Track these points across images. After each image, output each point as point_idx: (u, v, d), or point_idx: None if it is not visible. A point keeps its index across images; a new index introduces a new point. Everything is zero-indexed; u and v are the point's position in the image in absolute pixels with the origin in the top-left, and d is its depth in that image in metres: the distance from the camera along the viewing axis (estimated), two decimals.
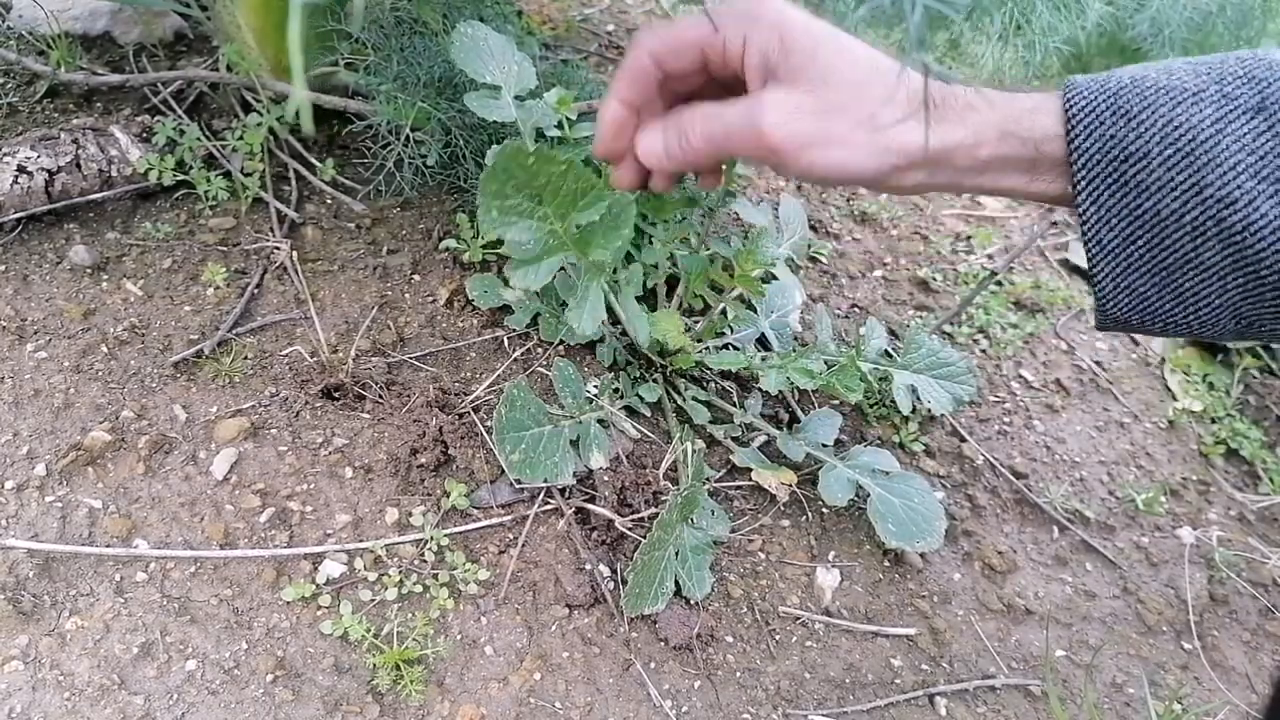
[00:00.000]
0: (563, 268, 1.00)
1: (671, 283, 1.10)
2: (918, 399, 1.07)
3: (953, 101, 0.58)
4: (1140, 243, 0.54)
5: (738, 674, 0.84)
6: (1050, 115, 0.56)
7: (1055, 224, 1.64)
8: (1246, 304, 0.53)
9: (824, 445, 1.03)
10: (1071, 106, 0.56)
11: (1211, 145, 0.51)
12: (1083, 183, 0.55)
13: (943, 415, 1.15)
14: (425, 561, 0.84)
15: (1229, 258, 0.52)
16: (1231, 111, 0.51)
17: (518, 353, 1.04)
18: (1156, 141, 0.52)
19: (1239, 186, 0.50)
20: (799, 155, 0.59)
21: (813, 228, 1.44)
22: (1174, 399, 1.36)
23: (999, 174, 0.58)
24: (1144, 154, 0.53)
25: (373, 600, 0.81)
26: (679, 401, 1.03)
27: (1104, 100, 0.55)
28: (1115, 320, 0.58)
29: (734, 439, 1.03)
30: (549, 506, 0.91)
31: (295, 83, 0.25)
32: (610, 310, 1.05)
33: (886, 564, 0.98)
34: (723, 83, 0.65)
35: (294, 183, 1.18)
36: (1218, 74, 0.52)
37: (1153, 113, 0.53)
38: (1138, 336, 1.47)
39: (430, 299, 1.08)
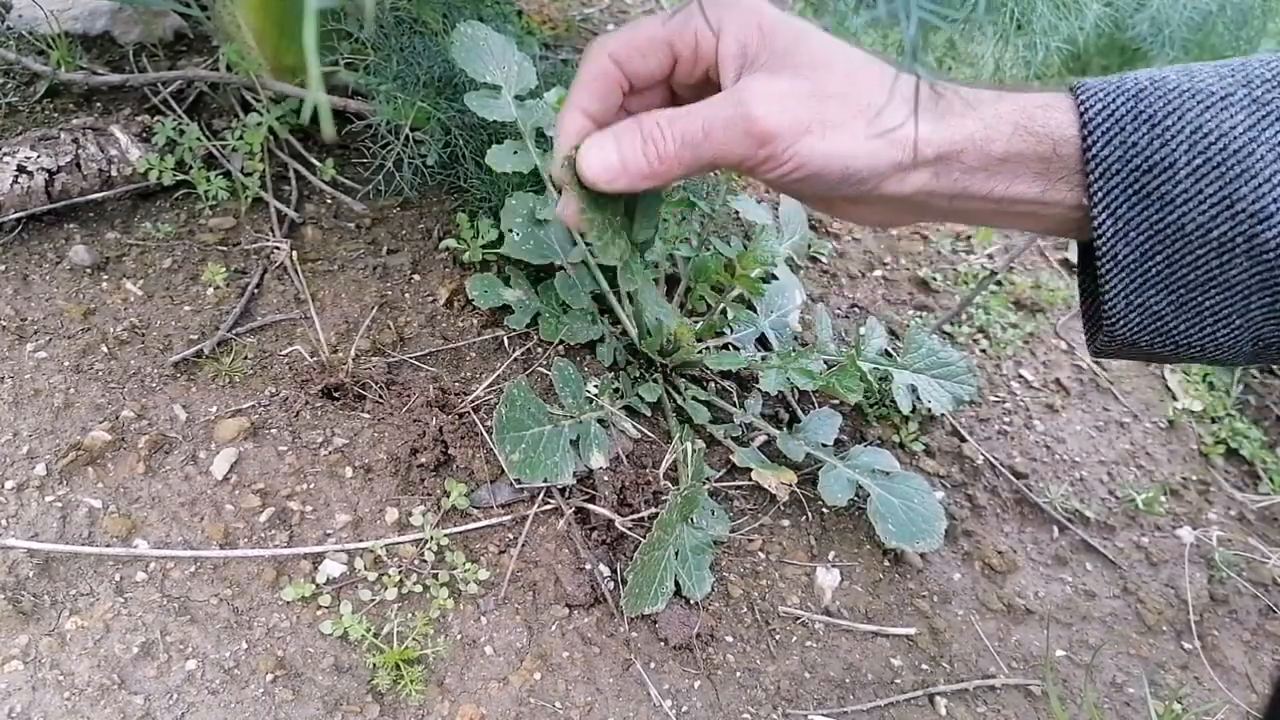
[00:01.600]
0: (562, 267, 1.00)
1: (671, 282, 1.10)
2: (918, 399, 1.07)
3: (956, 96, 0.52)
4: (1159, 258, 0.50)
5: (738, 674, 0.84)
6: (1066, 113, 0.51)
7: None
8: (1269, 325, 0.50)
9: (824, 445, 1.03)
10: (1088, 110, 0.50)
11: (1245, 155, 0.46)
12: (1099, 194, 0.50)
13: (943, 415, 1.15)
14: (425, 561, 0.84)
15: (1256, 276, 0.48)
16: (1265, 118, 0.46)
17: (518, 352, 1.04)
18: (1184, 150, 0.47)
19: (1275, 200, 0.46)
20: (796, 143, 0.51)
21: (812, 227, 1.44)
22: (1174, 399, 1.36)
23: (1012, 177, 0.52)
24: (1170, 164, 0.48)
25: (373, 600, 0.81)
26: (679, 401, 1.03)
27: (1124, 103, 0.49)
28: (1122, 342, 0.53)
29: (734, 439, 1.03)
30: (549, 506, 0.91)
31: (312, 85, 0.25)
32: (610, 310, 1.05)
33: (886, 564, 0.98)
34: (689, 92, 0.57)
35: (294, 182, 1.18)
36: (1244, 76, 0.48)
37: (1179, 118, 0.48)
38: None
39: (430, 299, 1.08)
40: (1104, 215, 0.50)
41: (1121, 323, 0.53)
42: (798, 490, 1.01)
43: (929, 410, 1.08)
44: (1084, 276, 0.57)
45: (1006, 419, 1.23)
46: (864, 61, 0.53)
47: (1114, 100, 0.50)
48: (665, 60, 0.54)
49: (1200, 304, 0.50)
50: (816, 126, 0.52)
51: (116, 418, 0.89)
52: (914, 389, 1.08)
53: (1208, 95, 0.48)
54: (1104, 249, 0.51)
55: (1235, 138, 0.47)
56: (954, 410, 1.11)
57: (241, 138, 1.15)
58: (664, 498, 0.90)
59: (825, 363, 1.06)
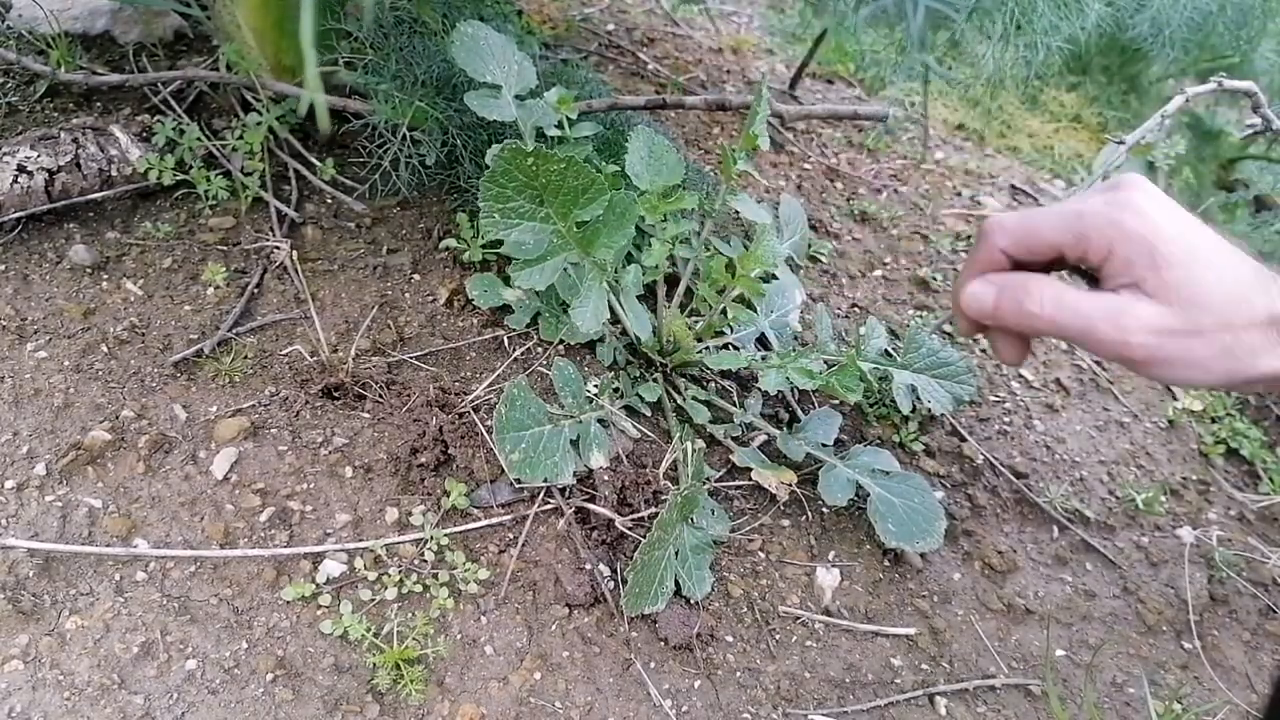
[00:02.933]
0: (563, 268, 1.00)
1: (671, 282, 1.10)
2: (918, 399, 1.07)
3: None
4: None
5: (738, 673, 0.84)
6: None
7: None
8: None
9: (824, 445, 1.03)
10: None
11: None
12: None
13: (943, 415, 1.14)
14: (425, 561, 0.84)
15: None
16: None
17: (518, 352, 1.04)
18: None
19: None
20: (1152, 370, 0.60)
21: (813, 227, 1.44)
22: (1174, 398, 1.36)
23: None
24: None
25: (373, 600, 0.81)
26: (679, 401, 1.03)
27: None
28: None
29: (734, 439, 1.03)
30: (549, 506, 0.91)
31: (309, 83, 0.25)
32: (610, 310, 1.05)
33: (886, 564, 0.98)
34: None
35: (294, 182, 1.18)
36: None
37: None
38: None
39: (430, 298, 1.08)
40: None
41: None
42: (798, 490, 1.01)
43: (929, 410, 1.08)
44: None
45: (1006, 419, 1.23)
46: (1235, 291, 0.62)
47: None
48: (1051, 257, 0.65)
49: None
50: (1179, 362, 0.61)
51: (116, 417, 0.89)
52: (914, 389, 1.08)
53: None
54: None
55: None
56: (954, 410, 1.11)
57: (241, 137, 1.15)
58: (664, 498, 0.90)
59: (825, 362, 1.06)
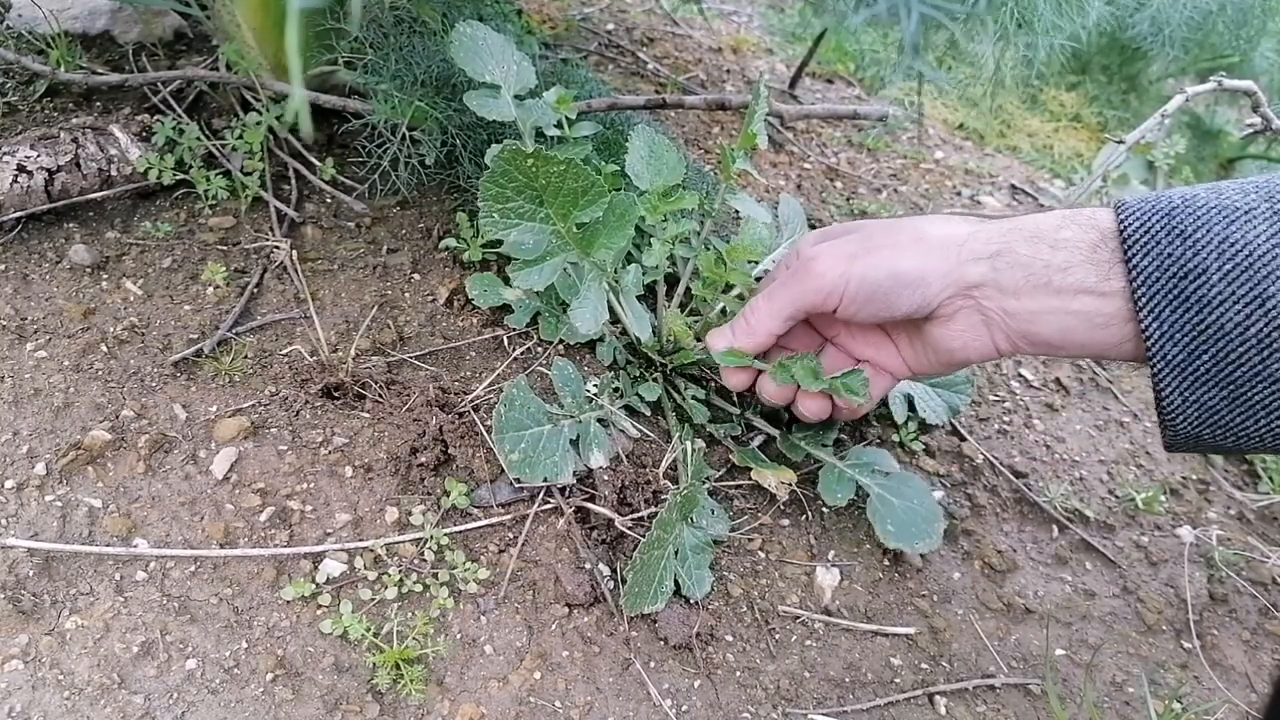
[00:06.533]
0: (563, 268, 1.00)
1: (670, 282, 1.10)
2: (913, 409, 1.08)
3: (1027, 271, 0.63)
4: (1206, 356, 0.54)
5: (737, 673, 0.84)
6: (1108, 211, 0.59)
7: None
8: None
9: (824, 445, 1.03)
10: (1126, 227, 0.56)
11: (1270, 259, 0.51)
12: (1143, 299, 0.55)
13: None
14: (425, 561, 0.84)
15: None
16: None
17: (517, 352, 1.04)
18: (1214, 258, 0.53)
19: None
20: (846, 267, 0.71)
21: (812, 226, 1.44)
22: None
23: (1067, 260, 0.60)
24: (1202, 269, 0.53)
25: (373, 599, 0.81)
26: (679, 400, 1.03)
27: (1158, 220, 0.55)
28: (1185, 437, 0.58)
29: (734, 438, 1.03)
30: (549, 506, 0.91)
31: (294, 86, 0.26)
32: (610, 310, 1.05)
33: (886, 563, 0.98)
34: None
35: (294, 182, 1.18)
36: (1266, 192, 0.53)
37: (1207, 230, 0.53)
38: None
39: (430, 298, 1.08)
40: (1150, 319, 0.56)
41: (1180, 418, 0.57)
42: (798, 490, 1.01)
43: (925, 418, 1.09)
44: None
45: (1006, 418, 1.23)
46: (911, 223, 0.71)
47: (1149, 218, 0.56)
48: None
49: (1251, 398, 0.54)
50: (861, 254, 0.70)
51: (116, 417, 0.89)
52: (910, 398, 1.08)
53: (1233, 210, 0.53)
54: (1154, 350, 0.56)
55: (1259, 244, 0.52)
56: (948, 420, 1.11)
57: (241, 137, 1.15)
58: (664, 497, 0.90)
59: None
